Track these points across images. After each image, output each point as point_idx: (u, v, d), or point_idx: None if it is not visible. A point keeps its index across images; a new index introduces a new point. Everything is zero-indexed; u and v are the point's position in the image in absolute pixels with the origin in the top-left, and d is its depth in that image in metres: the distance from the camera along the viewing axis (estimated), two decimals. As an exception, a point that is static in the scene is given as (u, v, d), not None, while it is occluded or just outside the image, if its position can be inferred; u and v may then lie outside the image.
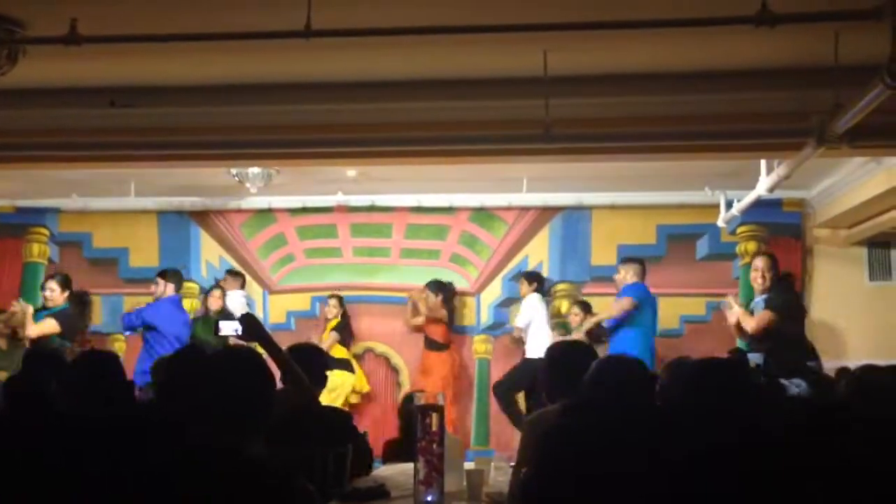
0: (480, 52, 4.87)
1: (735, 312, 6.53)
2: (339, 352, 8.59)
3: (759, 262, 6.61)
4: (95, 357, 4.07)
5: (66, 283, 7.45)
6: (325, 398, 8.05)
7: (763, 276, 6.49)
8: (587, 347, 4.14)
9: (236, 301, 8.62)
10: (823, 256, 8.62)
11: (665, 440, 1.39)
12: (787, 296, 6.55)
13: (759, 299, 6.53)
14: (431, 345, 8.74)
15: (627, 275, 7.78)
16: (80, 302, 7.54)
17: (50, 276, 7.71)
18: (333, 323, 8.77)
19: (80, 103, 5.61)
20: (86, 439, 2.75)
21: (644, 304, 7.58)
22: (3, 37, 4.29)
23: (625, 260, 8.00)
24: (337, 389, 8.32)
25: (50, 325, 7.09)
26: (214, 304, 8.53)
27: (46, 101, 5.60)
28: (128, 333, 8.26)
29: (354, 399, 8.78)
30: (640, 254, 8.45)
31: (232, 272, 9.01)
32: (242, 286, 8.96)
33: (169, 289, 7.80)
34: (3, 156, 6.11)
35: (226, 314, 8.13)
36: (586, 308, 8.19)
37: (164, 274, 7.91)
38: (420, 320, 8.82)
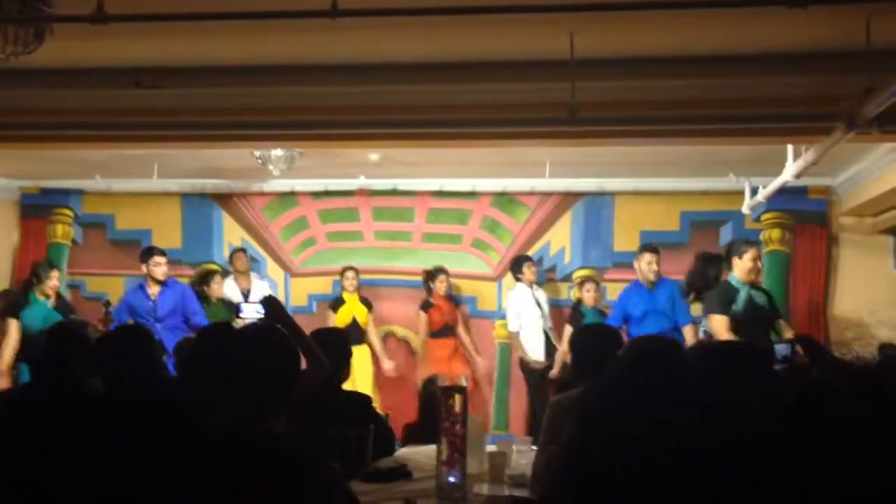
0: (507, 34, 4.84)
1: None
2: (366, 323, 8.73)
3: (758, 253, 6.39)
4: (134, 331, 4.08)
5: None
6: (370, 375, 8.26)
7: (758, 268, 6.34)
8: (614, 332, 4.13)
9: (260, 288, 8.68)
10: (849, 244, 8.54)
11: (691, 420, 1.36)
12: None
13: (748, 289, 6.25)
14: (454, 332, 8.71)
15: None
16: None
17: (54, 267, 7.75)
18: (357, 296, 8.76)
19: (105, 83, 5.61)
20: (111, 415, 2.77)
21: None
22: (30, 15, 4.29)
23: None
24: (369, 363, 8.53)
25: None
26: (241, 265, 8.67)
27: (72, 81, 5.61)
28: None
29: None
30: (662, 240, 8.39)
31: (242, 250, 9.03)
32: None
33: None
34: (29, 135, 6.15)
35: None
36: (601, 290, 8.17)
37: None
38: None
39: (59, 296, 7.65)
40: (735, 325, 6.02)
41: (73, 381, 3.45)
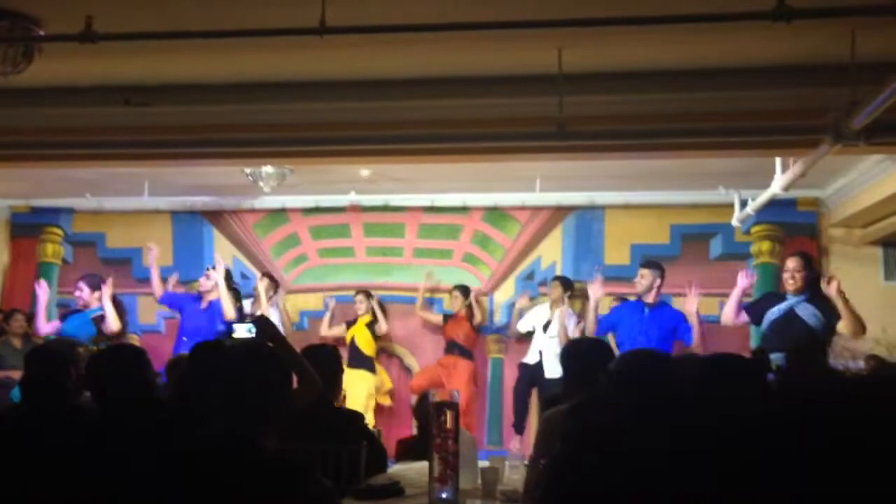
0: (495, 50, 4.87)
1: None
2: (370, 349, 8.71)
3: (791, 263, 6.30)
4: (126, 350, 4.07)
5: (96, 286, 7.61)
6: (363, 401, 8.16)
7: (793, 277, 6.19)
8: (604, 345, 4.14)
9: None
10: (838, 256, 8.57)
11: (680, 432, 1.37)
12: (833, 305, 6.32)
13: (796, 300, 6.19)
14: (461, 351, 8.70)
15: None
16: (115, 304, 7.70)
17: (80, 279, 7.78)
18: (367, 319, 8.74)
19: (94, 102, 5.63)
20: (101, 432, 2.76)
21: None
22: (19, 34, 4.31)
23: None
24: (368, 390, 8.50)
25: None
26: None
27: (61, 100, 5.63)
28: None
29: (386, 401, 8.80)
30: (653, 253, 8.42)
31: (269, 276, 9.03)
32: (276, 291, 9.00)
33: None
34: (18, 154, 6.15)
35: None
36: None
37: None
38: (434, 318, 8.83)
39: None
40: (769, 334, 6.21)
41: (62, 400, 3.45)
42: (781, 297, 6.31)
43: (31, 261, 9.40)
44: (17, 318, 8.48)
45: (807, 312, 6.13)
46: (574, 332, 8.05)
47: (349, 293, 9.00)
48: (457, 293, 8.74)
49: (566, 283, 8.46)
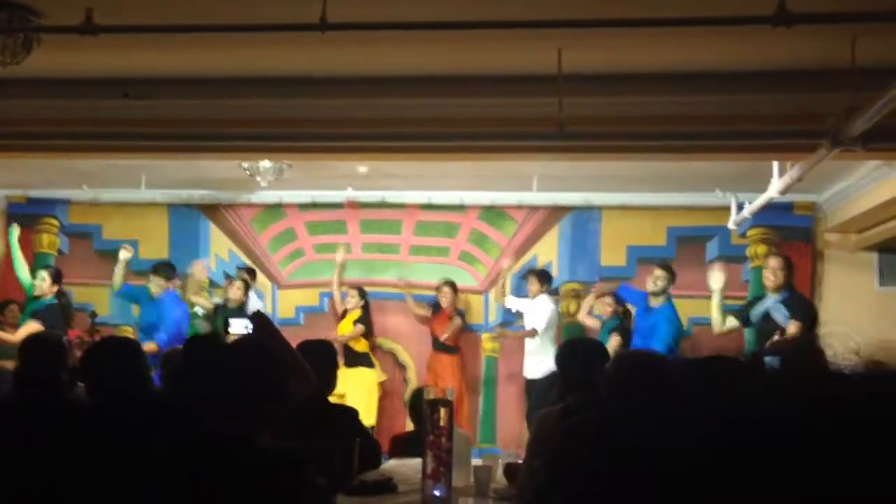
0: (495, 49, 4.87)
1: None
2: (362, 346, 8.63)
3: (773, 262, 6.59)
4: (122, 342, 4.07)
5: (56, 277, 7.76)
6: (365, 398, 8.12)
7: (775, 274, 6.44)
8: (600, 346, 4.15)
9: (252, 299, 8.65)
10: (833, 261, 8.58)
11: (675, 432, 1.36)
12: (809, 303, 6.60)
13: (773, 301, 6.45)
14: (442, 347, 8.68)
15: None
16: (62, 298, 7.85)
17: (43, 268, 7.91)
18: (356, 315, 8.71)
19: (93, 94, 5.62)
20: (97, 426, 2.75)
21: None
22: (18, 25, 4.30)
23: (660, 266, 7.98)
24: (368, 387, 8.47)
25: (32, 327, 7.21)
26: (234, 293, 8.51)
27: (59, 91, 5.61)
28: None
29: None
30: (649, 255, 8.43)
31: (247, 269, 9.02)
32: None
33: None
34: (16, 144, 6.14)
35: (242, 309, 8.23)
36: (620, 300, 8.16)
37: (155, 270, 8.08)
38: (423, 311, 8.82)
39: (60, 290, 7.83)
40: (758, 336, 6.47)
41: (56, 392, 3.44)
42: (747, 303, 6.69)
43: (27, 251, 9.35)
44: (12, 308, 8.47)
45: (780, 315, 6.27)
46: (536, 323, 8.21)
47: (346, 289, 8.99)
48: (446, 289, 8.69)
49: (542, 277, 8.53)
